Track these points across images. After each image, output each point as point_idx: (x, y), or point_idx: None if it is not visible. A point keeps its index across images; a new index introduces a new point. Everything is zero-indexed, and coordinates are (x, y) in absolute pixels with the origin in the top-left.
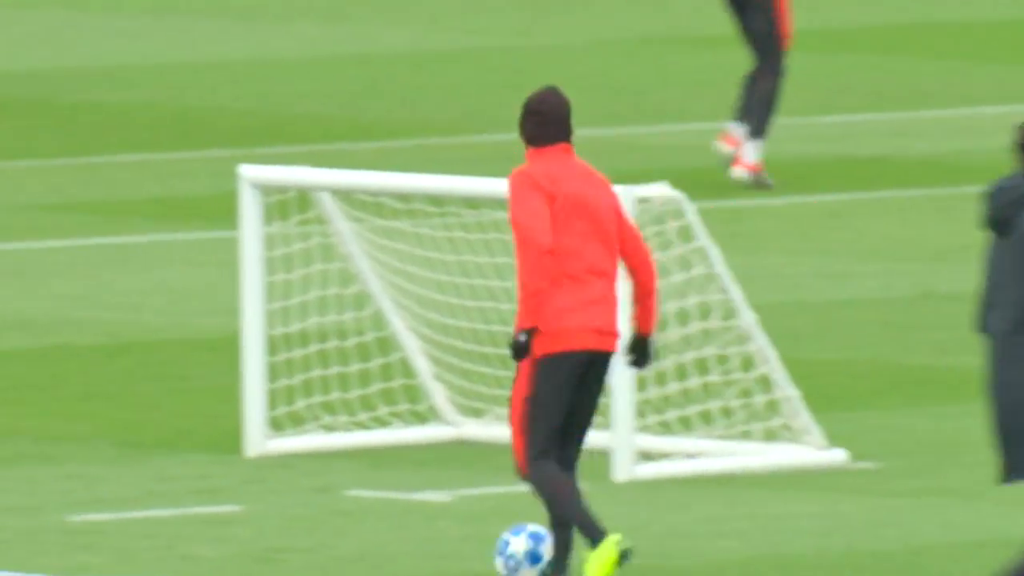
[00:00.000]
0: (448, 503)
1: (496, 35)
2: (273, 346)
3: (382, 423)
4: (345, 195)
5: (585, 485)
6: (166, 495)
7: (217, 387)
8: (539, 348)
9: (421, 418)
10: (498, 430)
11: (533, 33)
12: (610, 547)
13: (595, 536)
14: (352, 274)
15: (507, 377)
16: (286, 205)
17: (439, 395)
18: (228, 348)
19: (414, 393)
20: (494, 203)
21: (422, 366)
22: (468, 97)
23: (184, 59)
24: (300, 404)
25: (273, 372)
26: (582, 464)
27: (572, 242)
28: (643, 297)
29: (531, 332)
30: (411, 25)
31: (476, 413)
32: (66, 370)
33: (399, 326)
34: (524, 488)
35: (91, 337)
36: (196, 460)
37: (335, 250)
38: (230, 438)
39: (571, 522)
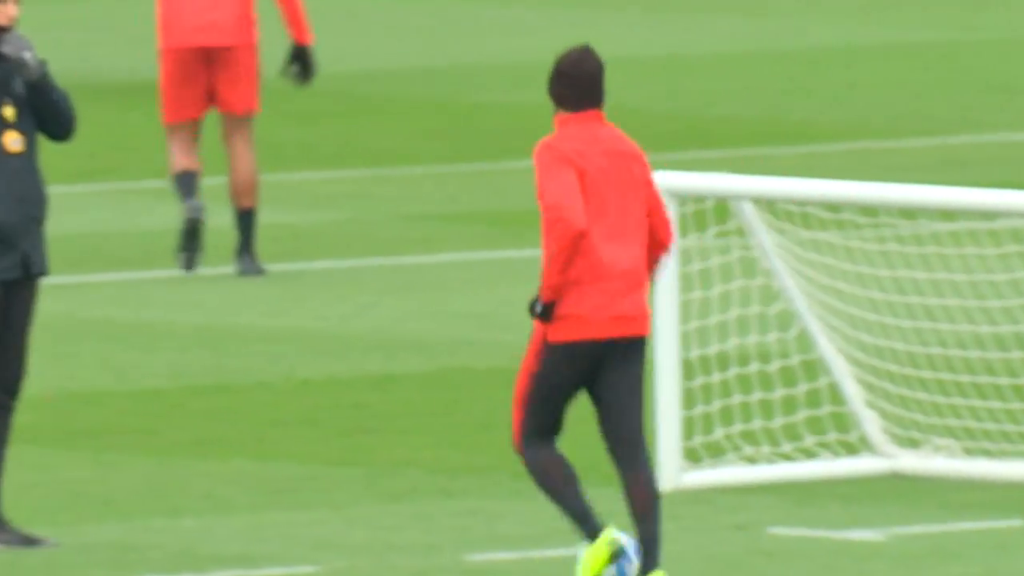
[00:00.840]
0: (881, 543)
1: (933, 28)
2: (689, 370)
3: (808, 454)
4: (768, 204)
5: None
6: (571, 533)
7: None
8: (552, 332)
9: (851, 449)
10: (937, 462)
11: (974, 27)
12: (602, 546)
13: (587, 530)
14: (775, 291)
15: (947, 405)
16: (703, 215)
17: (871, 424)
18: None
19: (843, 421)
20: (932, 213)
21: (852, 392)
22: (903, 96)
23: None
24: (718, 433)
25: (689, 398)
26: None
27: (596, 220)
28: (656, 250)
29: (551, 306)
30: (840, 18)
31: (912, 443)
32: (463, 396)
33: (827, 348)
34: (962, 525)
35: (490, 360)
36: (604, 495)
37: (756, 264)
38: None
39: (561, 509)
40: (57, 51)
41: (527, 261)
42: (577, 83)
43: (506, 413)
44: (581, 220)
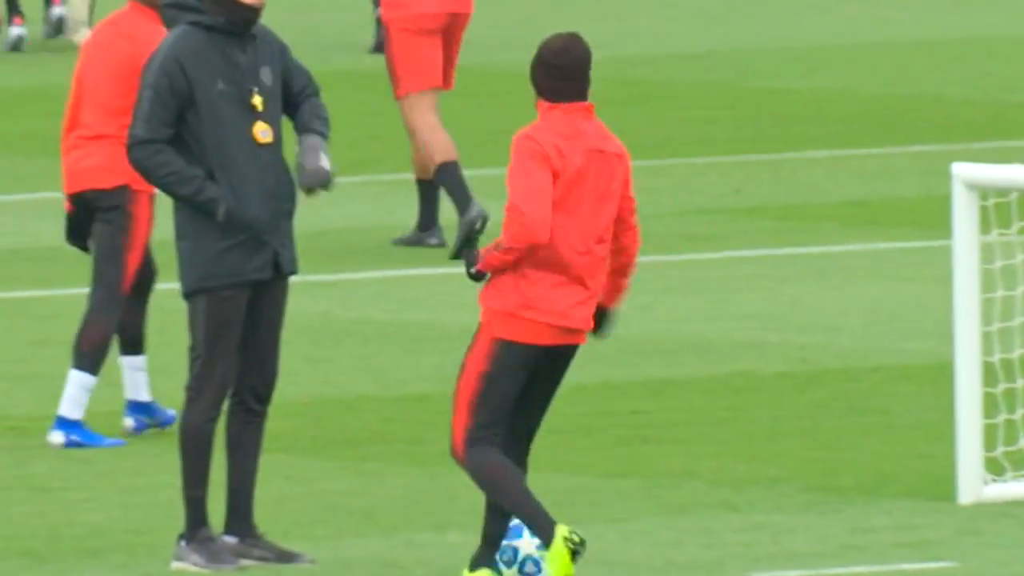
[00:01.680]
0: None
1: None
2: (990, 375)
3: None
4: None
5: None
6: (865, 549)
7: (925, 423)
8: (502, 330)
9: None
10: None
11: None
12: (560, 544)
13: (543, 530)
14: None
15: None
16: (1006, 209)
17: None
18: (938, 377)
19: None
20: None
21: None
22: None
23: (885, 38)
24: (1023, 443)
25: (990, 405)
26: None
27: (564, 221)
28: (619, 275)
29: (484, 274)
30: None
31: None
32: (749, 403)
33: None
34: None
35: (778, 364)
36: (900, 508)
37: None
38: (940, 483)
39: (513, 512)
40: (317, 35)
41: (819, 257)
42: (561, 73)
43: (798, 421)
44: (542, 232)
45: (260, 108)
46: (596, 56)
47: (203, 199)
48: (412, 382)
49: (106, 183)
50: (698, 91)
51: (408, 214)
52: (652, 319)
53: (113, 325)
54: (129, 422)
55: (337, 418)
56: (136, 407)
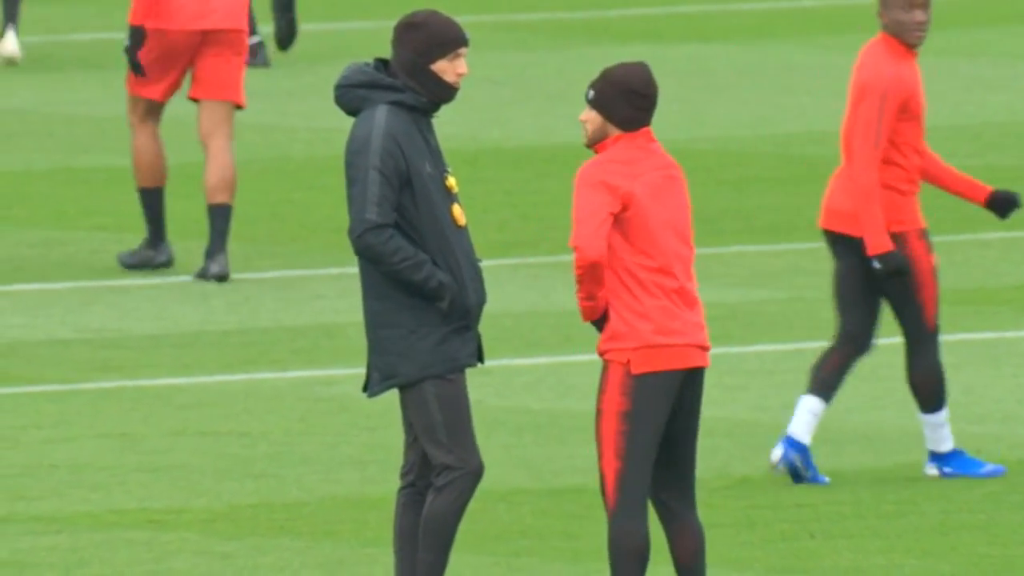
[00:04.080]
0: None
1: None
2: None
3: None
4: None
5: None
6: None
7: None
8: (640, 365)
9: None
10: None
11: None
12: None
13: None
14: None
15: None
16: None
17: None
18: None
19: None
20: None
21: None
22: None
23: None
24: None
25: None
26: None
27: (663, 238)
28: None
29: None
30: None
31: None
32: (919, 495)
33: None
34: None
35: None
36: None
37: None
38: None
39: None
40: (468, 112)
41: (993, 343)
42: (648, 102)
43: (971, 515)
44: (594, 250)
45: (455, 190)
46: (762, 132)
47: (434, 285)
48: (567, 474)
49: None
50: None
51: (565, 298)
52: None
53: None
54: None
55: (489, 511)
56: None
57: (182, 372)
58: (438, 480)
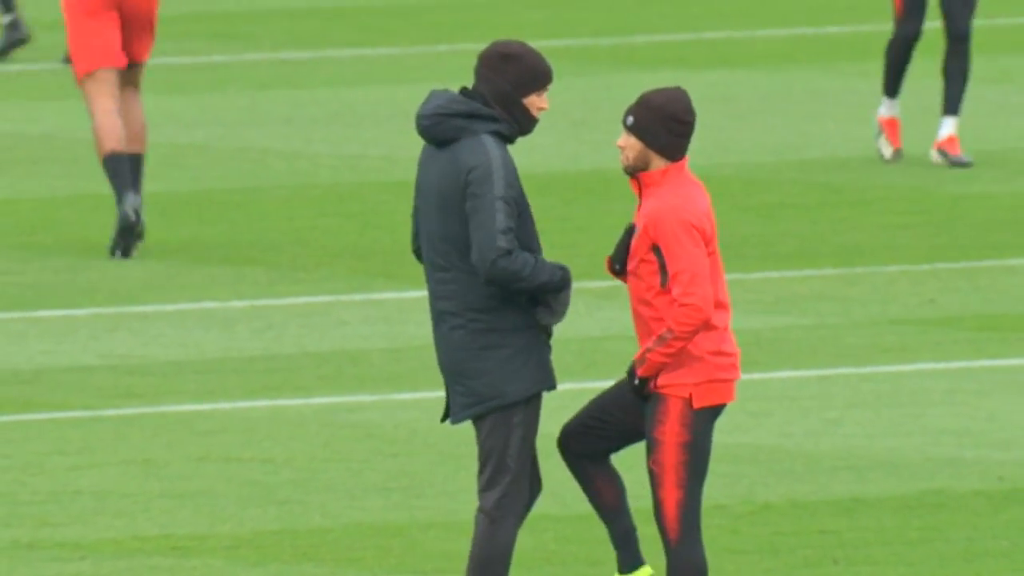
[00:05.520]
0: None
1: None
2: None
3: None
4: None
5: None
6: None
7: None
8: (703, 399)
9: None
10: None
11: None
12: None
13: None
14: None
15: None
16: None
17: None
18: None
19: None
20: None
21: None
22: None
23: None
24: None
25: None
26: None
27: (717, 281)
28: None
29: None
30: None
31: None
32: (944, 522)
33: None
34: None
35: (974, 482)
36: None
37: None
38: None
39: None
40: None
41: (1017, 370)
42: (688, 129)
43: (995, 542)
44: (711, 308)
45: None
46: (786, 158)
47: (560, 274)
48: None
49: None
50: (891, 196)
51: (589, 324)
52: (841, 434)
53: None
54: None
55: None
56: None
57: (206, 398)
58: (495, 511)
